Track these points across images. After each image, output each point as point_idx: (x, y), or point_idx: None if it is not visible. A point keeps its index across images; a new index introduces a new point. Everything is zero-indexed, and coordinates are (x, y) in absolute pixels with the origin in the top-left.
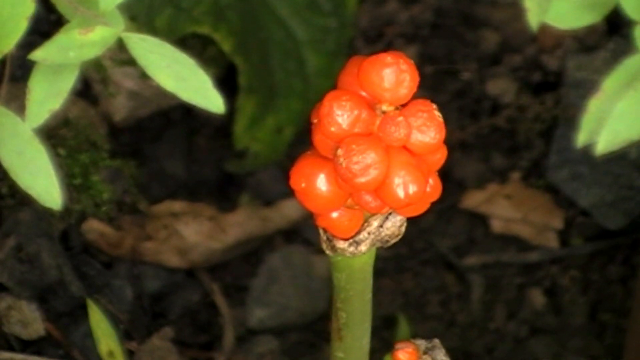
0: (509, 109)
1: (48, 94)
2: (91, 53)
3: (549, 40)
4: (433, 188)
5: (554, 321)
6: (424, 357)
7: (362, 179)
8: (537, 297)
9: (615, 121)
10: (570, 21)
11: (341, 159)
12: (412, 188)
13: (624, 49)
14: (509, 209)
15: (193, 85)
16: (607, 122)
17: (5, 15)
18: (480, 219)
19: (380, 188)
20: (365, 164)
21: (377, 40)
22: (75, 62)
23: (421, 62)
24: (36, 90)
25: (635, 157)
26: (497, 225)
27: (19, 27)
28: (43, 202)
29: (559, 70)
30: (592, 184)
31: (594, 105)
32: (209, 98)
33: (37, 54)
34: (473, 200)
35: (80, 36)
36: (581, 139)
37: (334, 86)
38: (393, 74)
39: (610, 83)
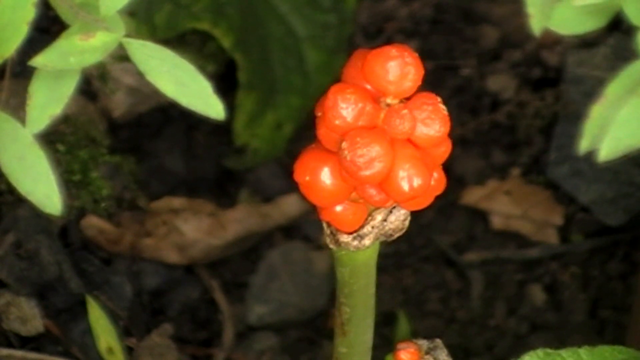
0: (509, 105)
1: (49, 99)
2: (92, 59)
3: (549, 36)
4: (437, 181)
5: (554, 318)
6: (426, 357)
7: (367, 172)
8: (537, 294)
9: (618, 128)
10: (573, 27)
11: (346, 152)
12: (417, 181)
13: (624, 45)
14: (509, 205)
15: (193, 90)
16: (609, 128)
17: (6, 20)
18: (480, 215)
19: (385, 181)
20: (369, 157)
21: (376, 36)
22: (76, 68)
23: (421, 58)
24: (37, 95)
25: (635, 154)
26: (497, 222)
27: (20, 31)
28: (43, 207)
29: (559, 66)
30: (592, 180)
31: (596, 112)
32: (209, 103)
33: (38, 60)
34: (473, 196)
35: (81, 42)
36: (584, 145)
37: (333, 82)
38: (398, 67)
39: (612, 89)
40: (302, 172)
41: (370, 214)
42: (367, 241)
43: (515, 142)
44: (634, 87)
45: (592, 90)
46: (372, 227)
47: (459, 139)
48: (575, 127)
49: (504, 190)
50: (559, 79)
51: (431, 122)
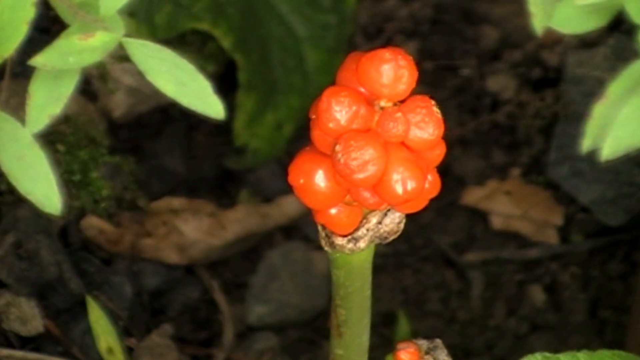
0: (509, 105)
1: (48, 98)
2: (91, 58)
3: (549, 36)
4: (432, 184)
5: (554, 318)
6: (426, 357)
7: (361, 175)
8: (537, 294)
9: (620, 127)
10: (575, 26)
11: (339, 155)
12: (411, 184)
13: (624, 46)
14: (509, 205)
15: (193, 90)
16: (611, 128)
17: (5, 20)
18: (480, 216)
19: (379, 184)
20: (363, 160)
21: (376, 36)
22: (75, 68)
23: (421, 58)
24: (36, 95)
25: (635, 153)
26: (497, 222)
27: (19, 31)
28: (42, 207)
29: (559, 67)
30: (592, 181)
31: (598, 111)
32: (209, 103)
33: (37, 60)
34: (473, 196)
35: (80, 41)
36: (586, 144)
37: (333, 82)
38: (391, 70)
39: (614, 89)
40: (296, 175)
41: (365, 217)
42: (362, 244)
43: (515, 142)
44: (635, 86)
45: (592, 91)
46: (367, 230)
47: (458, 139)
48: (575, 128)
49: (504, 191)
50: (559, 79)
51: (425, 125)
